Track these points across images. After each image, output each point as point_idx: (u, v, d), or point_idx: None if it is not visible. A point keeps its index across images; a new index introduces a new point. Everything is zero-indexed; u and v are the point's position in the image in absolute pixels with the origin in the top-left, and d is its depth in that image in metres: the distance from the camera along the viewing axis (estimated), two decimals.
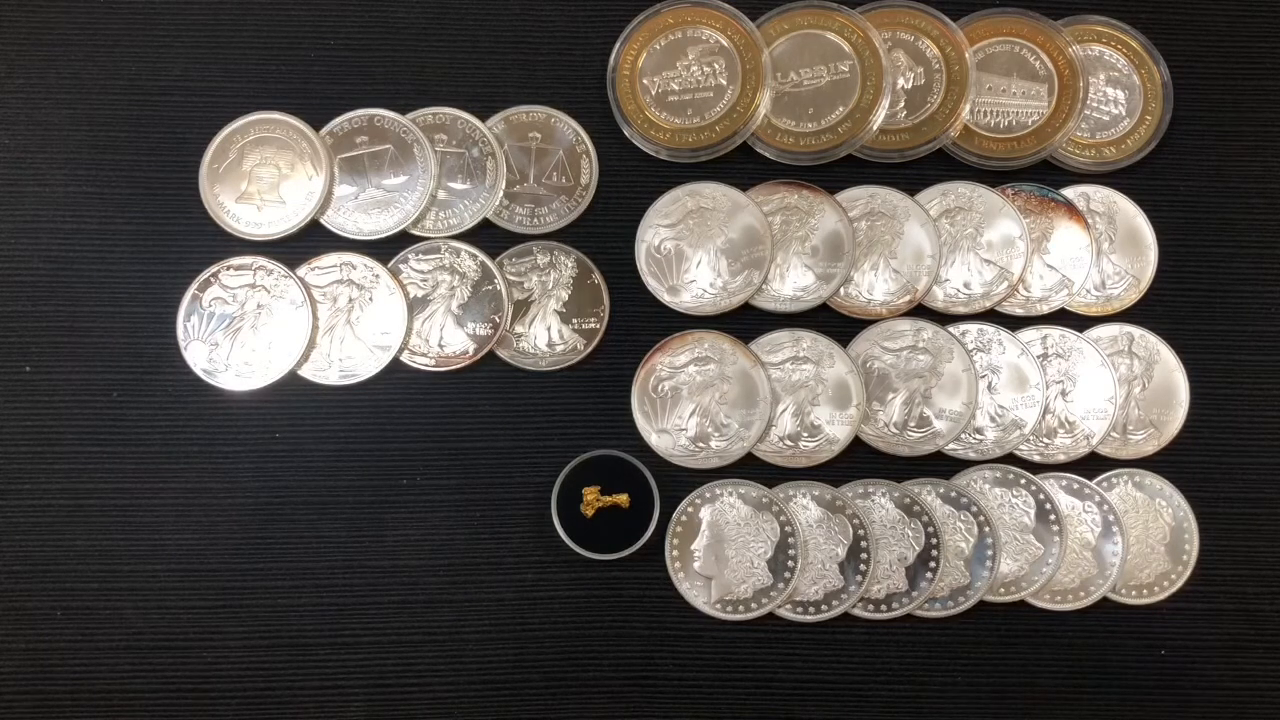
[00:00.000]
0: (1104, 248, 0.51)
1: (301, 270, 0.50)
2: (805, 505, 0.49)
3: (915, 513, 0.48)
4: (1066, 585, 0.48)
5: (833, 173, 0.52)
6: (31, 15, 0.52)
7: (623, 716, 0.47)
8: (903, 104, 0.52)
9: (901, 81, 0.52)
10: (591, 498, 0.48)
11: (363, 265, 0.50)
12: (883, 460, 0.49)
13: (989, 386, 0.50)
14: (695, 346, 0.50)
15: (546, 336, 0.50)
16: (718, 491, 0.49)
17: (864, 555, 0.48)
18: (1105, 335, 0.51)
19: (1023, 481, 0.49)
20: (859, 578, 0.47)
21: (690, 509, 0.49)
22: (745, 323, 0.50)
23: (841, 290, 0.51)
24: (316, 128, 0.51)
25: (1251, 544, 0.49)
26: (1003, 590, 0.48)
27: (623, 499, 0.48)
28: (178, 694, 0.47)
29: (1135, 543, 0.49)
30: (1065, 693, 0.48)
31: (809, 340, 0.50)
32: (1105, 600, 0.48)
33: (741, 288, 0.50)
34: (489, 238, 0.51)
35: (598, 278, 0.51)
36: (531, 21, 0.53)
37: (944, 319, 0.51)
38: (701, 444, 0.49)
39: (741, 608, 0.47)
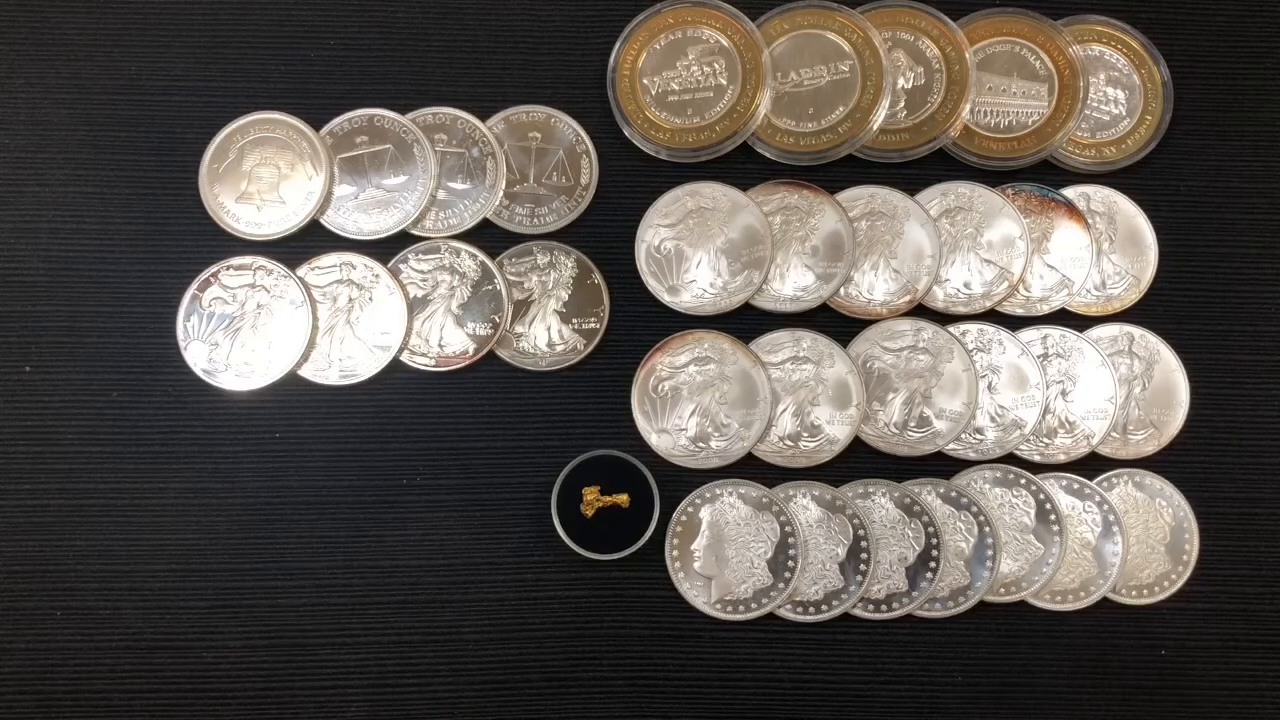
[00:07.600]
0: (1104, 248, 0.51)
1: (301, 270, 0.50)
2: (805, 505, 0.49)
3: (915, 513, 0.48)
4: (1067, 585, 0.48)
5: (833, 173, 0.52)
6: (31, 15, 0.52)
7: (623, 716, 0.47)
8: (903, 104, 0.52)
9: (901, 81, 0.52)
10: (591, 498, 0.48)
11: (363, 265, 0.50)
12: (883, 460, 0.49)
13: (989, 386, 0.50)
14: (695, 346, 0.50)
15: (546, 336, 0.50)
16: (718, 491, 0.49)
17: (864, 555, 0.48)
18: (1105, 335, 0.51)
19: (1023, 481, 0.49)
20: (859, 578, 0.47)
21: (690, 509, 0.49)
22: (745, 323, 0.50)
23: (841, 290, 0.51)
24: (316, 128, 0.51)
25: (1251, 544, 0.49)
26: (1003, 590, 0.48)
27: (623, 499, 0.48)
28: (178, 694, 0.47)
29: (1135, 543, 0.49)
30: (1065, 693, 0.48)
31: (809, 340, 0.50)
32: (1105, 600, 0.48)
33: (741, 288, 0.50)
34: (489, 238, 0.51)
35: (598, 278, 0.51)
36: (531, 21, 0.53)
37: (944, 319, 0.51)
38: (701, 444, 0.49)
39: (741, 608, 0.47)
